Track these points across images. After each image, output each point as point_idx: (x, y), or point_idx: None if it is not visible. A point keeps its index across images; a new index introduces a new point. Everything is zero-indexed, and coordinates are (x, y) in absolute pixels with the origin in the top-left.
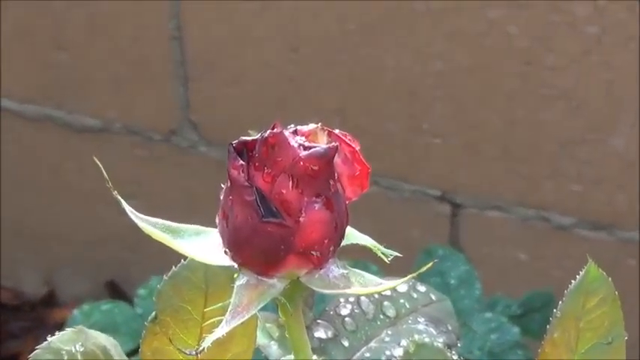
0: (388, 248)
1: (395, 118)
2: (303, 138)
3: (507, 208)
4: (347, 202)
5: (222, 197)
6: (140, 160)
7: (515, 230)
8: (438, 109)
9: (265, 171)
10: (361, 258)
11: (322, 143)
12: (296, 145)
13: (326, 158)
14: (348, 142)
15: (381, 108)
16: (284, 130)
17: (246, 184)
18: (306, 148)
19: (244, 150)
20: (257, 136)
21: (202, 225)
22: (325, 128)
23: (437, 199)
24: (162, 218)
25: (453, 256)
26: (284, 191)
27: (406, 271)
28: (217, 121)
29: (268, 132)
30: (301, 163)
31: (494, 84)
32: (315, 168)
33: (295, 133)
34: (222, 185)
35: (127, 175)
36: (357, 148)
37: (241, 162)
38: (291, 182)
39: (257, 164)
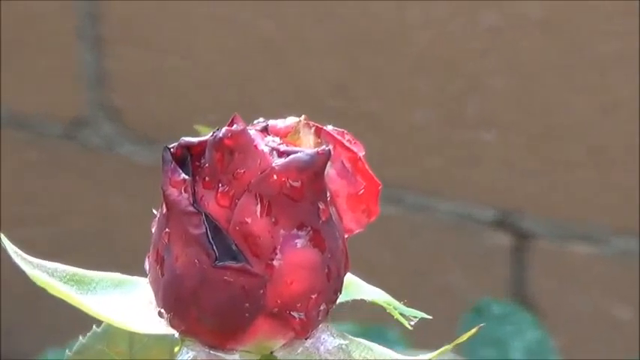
0: (412, 306)
1: (423, 101)
2: (278, 139)
3: (600, 238)
4: (346, 236)
5: (154, 229)
6: (29, 167)
7: (611, 272)
8: (490, 88)
9: (220, 189)
10: (376, 320)
11: (307, 146)
12: (267, 149)
13: (312, 169)
14: (347, 143)
15: (401, 86)
16: (248, 127)
17: (191, 209)
18: (282, 154)
19: (188, 157)
20: (207, 136)
21: (125, 271)
22: (311, 123)
23: (490, 224)
24: (65, 260)
25: (516, 316)
26: (249, 220)
27: (442, 339)
28: (148, 106)
29: (224, 130)
30: (275, 176)
31: (581, 44)
32: (296, 184)
33: (266, 131)
34: (155, 211)
35: (9, 189)
36: (362, 153)
37: (183, 176)
38: (259, 206)
39: (207, 179)
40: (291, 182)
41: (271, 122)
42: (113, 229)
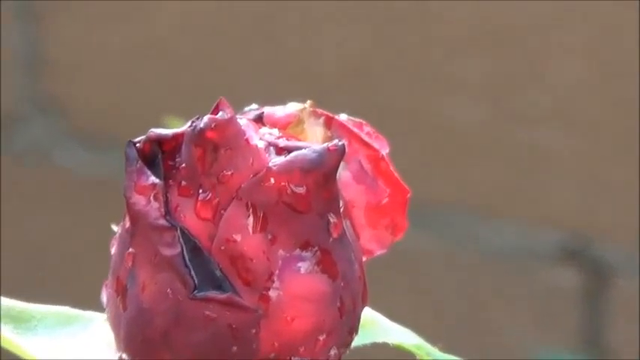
0: (450, 351)
1: (467, 91)
2: (276, 131)
3: None
4: (364, 260)
5: (113, 249)
6: None
7: None
8: (559, 73)
9: (201, 197)
10: None
11: (314, 141)
12: (262, 144)
13: (321, 171)
14: (367, 137)
15: (438, 71)
16: (238, 116)
17: (163, 222)
18: (281, 151)
19: (158, 155)
20: (183, 128)
21: (75, 304)
22: (320, 111)
23: (556, 256)
24: None
25: None
26: (238, 237)
27: None
28: (96, 98)
29: (206, 119)
30: (272, 180)
31: None
32: (300, 191)
33: (260, 120)
34: (114, 226)
35: None
36: (385, 150)
37: (153, 179)
38: (251, 219)
39: (184, 183)
40: (293, 188)
41: (267, 110)
42: (58, 253)
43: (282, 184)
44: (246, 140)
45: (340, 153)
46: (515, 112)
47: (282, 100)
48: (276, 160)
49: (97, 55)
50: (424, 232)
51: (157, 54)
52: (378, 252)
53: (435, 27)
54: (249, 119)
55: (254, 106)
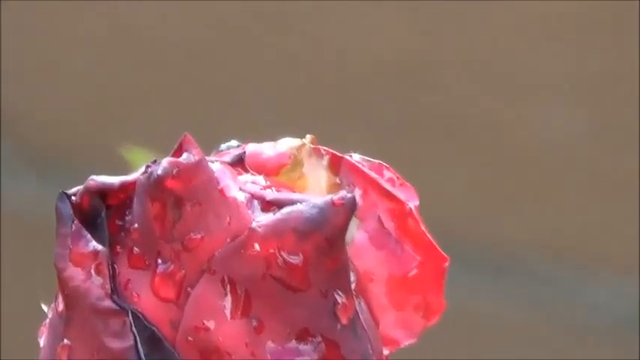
0: None
1: (557, 97)
2: (262, 178)
3: None
4: (386, 353)
5: (42, 341)
6: None
7: None
8: None
9: (160, 269)
10: None
11: (316, 191)
12: (242, 197)
13: (324, 233)
14: (388, 185)
15: (498, 57)
16: (210, 158)
17: (109, 304)
18: (269, 206)
19: (101, 212)
20: (136, 174)
21: None
22: (324, 149)
23: None
24: None
25: None
26: (210, 324)
27: None
28: (37, 114)
29: (166, 163)
30: (256, 246)
31: None
32: (296, 261)
33: (241, 163)
34: (45, 307)
35: None
36: (413, 203)
37: (94, 245)
38: (229, 299)
39: (137, 250)
40: (285, 257)
41: (251, 148)
42: None
43: (271, 251)
44: (221, 191)
45: (350, 207)
46: (618, 123)
47: (268, 132)
48: (261, 219)
49: (38, 63)
50: (491, 289)
51: (112, 58)
52: (406, 342)
53: (506, 9)
54: (224, 162)
55: (233, 143)
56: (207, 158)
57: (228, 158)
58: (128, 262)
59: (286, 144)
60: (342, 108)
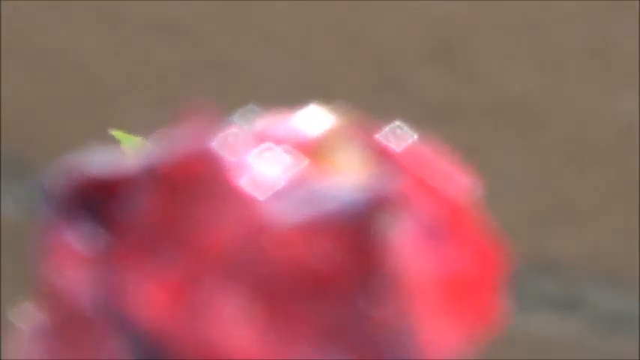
0: None
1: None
2: (288, 157)
3: None
4: None
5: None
6: None
7: None
8: None
9: (161, 271)
10: None
11: (349, 180)
12: (259, 182)
13: (357, 229)
14: (438, 175)
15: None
16: (217, 136)
17: (102, 313)
18: (290, 196)
19: (91, 206)
20: (133, 163)
21: None
22: (363, 130)
23: None
24: None
25: None
26: (222, 335)
27: None
28: (17, 105)
29: (164, 146)
30: (276, 243)
31: None
32: (322, 261)
33: (257, 141)
34: (23, 329)
35: None
36: (466, 191)
37: (83, 244)
38: (244, 306)
39: (134, 251)
40: (310, 256)
41: (268, 122)
42: None
43: (293, 249)
44: (232, 179)
45: (390, 200)
46: None
47: (325, 87)
48: (280, 211)
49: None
50: (563, 310)
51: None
52: (456, 354)
53: None
54: (236, 141)
55: (251, 110)
56: (219, 130)
57: (240, 136)
58: (123, 264)
59: (316, 119)
60: (383, 87)
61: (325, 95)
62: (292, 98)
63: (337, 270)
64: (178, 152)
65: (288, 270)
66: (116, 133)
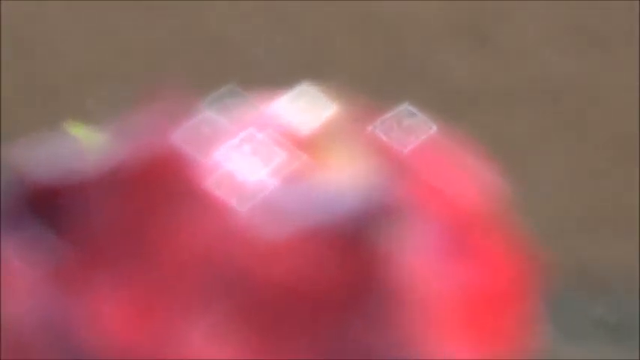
0: None
1: None
2: (273, 148)
3: None
4: None
5: None
6: None
7: None
8: None
9: (120, 287)
10: None
11: (345, 178)
12: (234, 184)
13: (353, 235)
14: (451, 171)
15: None
16: (188, 121)
17: (55, 333)
18: (275, 196)
19: (44, 215)
20: (88, 164)
21: None
22: (363, 120)
23: None
24: None
25: None
26: (192, 354)
27: None
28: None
29: (121, 138)
30: (256, 250)
31: None
32: (312, 271)
33: (245, 120)
34: None
35: None
36: (492, 193)
37: (29, 257)
38: (220, 323)
39: (89, 264)
40: (296, 265)
41: (252, 106)
42: None
43: (277, 264)
44: (204, 182)
45: (394, 206)
46: None
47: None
48: (263, 219)
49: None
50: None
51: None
52: None
53: None
54: (211, 132)
55: (231, 90)
56: (191, 118)
57: (222, 119)
58: (80, 278)
59: (310, 106)
60: (394, 67)
61: (323, 75)
62: (282, 79)
63: (329, 287)
64: (141, 149)
65: (271, 287)
66: (71, 125)
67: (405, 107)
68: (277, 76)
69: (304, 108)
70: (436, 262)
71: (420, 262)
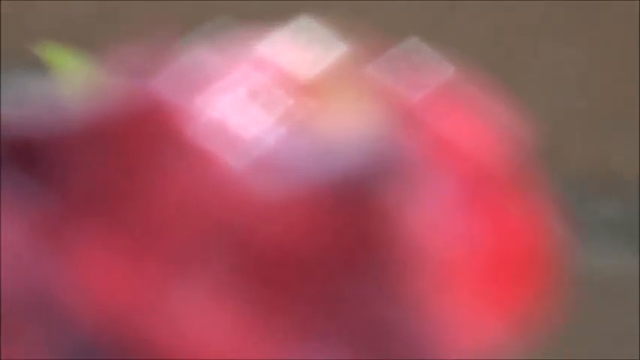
0: None
1: None
2: (270, 87)
3: None
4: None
5: None
6: None
7: None
8: None
9: (108, 242)
10: None
11: (348, 131)
12: (227, 133)
13: (355, 194)
14: (464, 128)
15: None
16: (177, 66)
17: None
18: (272, 148)
19: (26, 168)
20: (77, 112)
21: None
22: (372, 68)
23: None
24: None
25: None
26: (184, 320)
27: None
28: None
29: (108, 84)
30: (249, 205)
31: None
32: (309, 232)
33: (233, 72)
34: None
35: None
36: (504, 155)
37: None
38: (210, 284)
39: (70, 217)
40: (292, 223)
41: (245, 45)
42: None
43: (270, 214)
44: (192, 132)
45: (402, 156)
46: None
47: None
48: (258, 167)
49: None
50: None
51: None
52: (480, 353)
53: None
54: (200, 74)
55: (218, 31)
56: (177, 60)
57: (211, 59)
58: (67, 229)
59: (312, 40)
60: None
61: (323, 7)
62: (278, 12)
63: (328, 250)
64: (124, 94)
65: (262, 235)
66: (44, 49)
67: (415, 42)
68: (273, 9)
69: (304, 46)
70: (447, 220)
71: (429, 220)
